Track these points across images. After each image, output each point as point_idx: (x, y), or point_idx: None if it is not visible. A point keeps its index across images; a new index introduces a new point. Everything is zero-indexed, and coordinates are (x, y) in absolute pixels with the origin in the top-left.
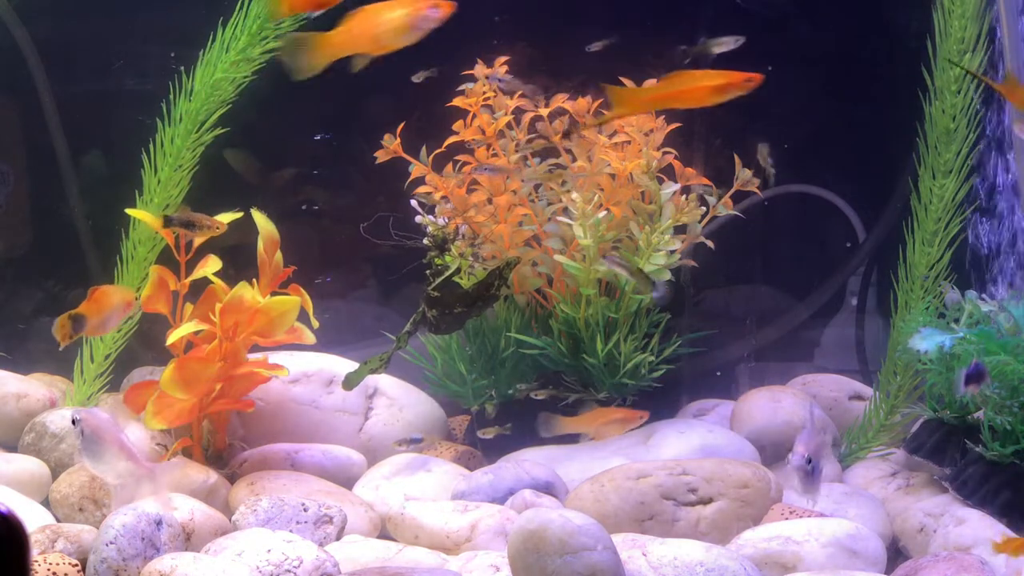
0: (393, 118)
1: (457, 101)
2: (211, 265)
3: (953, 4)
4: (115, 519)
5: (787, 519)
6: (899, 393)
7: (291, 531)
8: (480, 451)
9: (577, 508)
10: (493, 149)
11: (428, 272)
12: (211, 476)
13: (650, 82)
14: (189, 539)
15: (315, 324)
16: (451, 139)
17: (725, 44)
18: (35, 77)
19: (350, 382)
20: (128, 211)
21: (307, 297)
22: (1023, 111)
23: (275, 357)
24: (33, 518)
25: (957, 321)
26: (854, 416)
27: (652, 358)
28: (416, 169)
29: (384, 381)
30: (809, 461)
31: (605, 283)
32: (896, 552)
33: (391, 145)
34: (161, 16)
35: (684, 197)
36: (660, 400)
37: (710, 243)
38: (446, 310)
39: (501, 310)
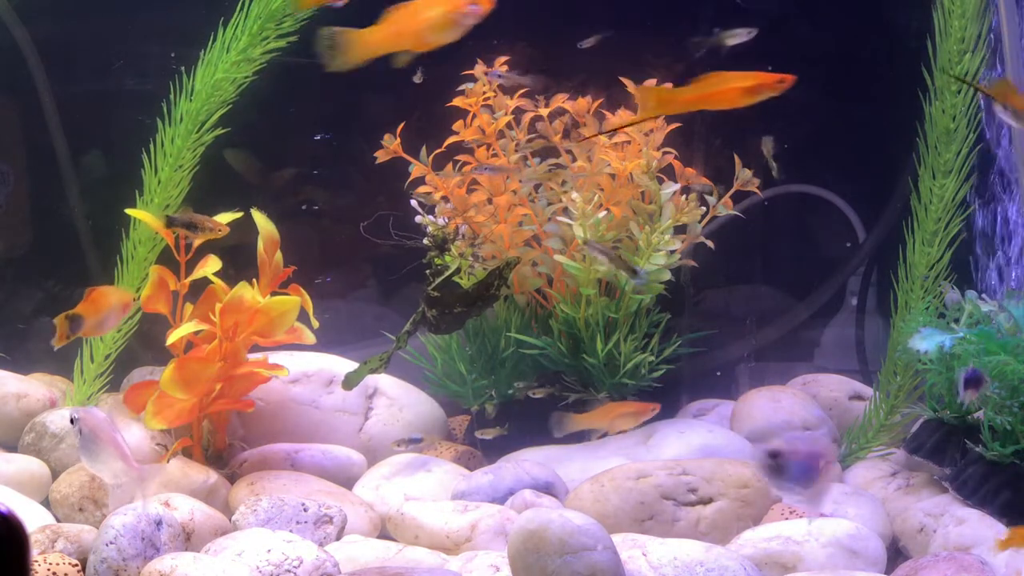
0: (393, 118)
1: (457, 101)
2: (211, 265)
3: (953, 4)
4: (115, 519)
5: (787, 519)
6: (899, 393)
7: (291, 531)
8: (480, 451)
9: (577, 508)
10: (493, 149)
11: (428, 272)
12: (211, 476)
13: (650, 82)
14: (189, 539)
15: (315, 324)
16: (451, 139)
17: (738, 36)
18: (35, 77)
19: (350, 382)
20: (128, 211)
21: (307, 297)
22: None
23: (275, 357)
24: (33, 518)
25: (957, 321)
26: (854, 416)
27: (652, 358)
28: (416, 169)
29: (384, 381)
30: (776, 456)
31: (605, 283)
32: (896, 552)
33: (391, 145)
34: (161, 16)
35: (684, 197)
36: (660, 400)
37: (710, 243)
38: (446, 310)
39: (501, 310)
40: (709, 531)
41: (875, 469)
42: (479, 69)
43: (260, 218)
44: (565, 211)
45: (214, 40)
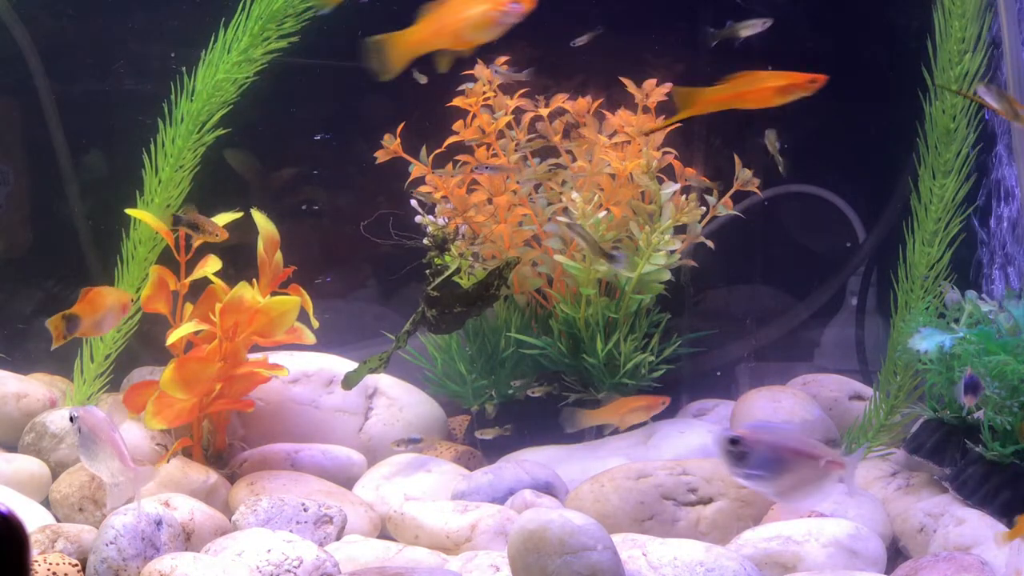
0: (393, 118)
1: (457, 101)
2: (211, 265)
3: (953, 4)
4: (115, 519)
5: (787, 519)
6: (899, 393)
7: (291, 531)
8: (480, 451)
9: (577, 508)
10: (493, 149)
11: (428, 272)
12: (211, 476)
13: (650, 82)
14: (189, 539)
15: (315, 324)
16: (451, 139)
17: (752, 26)
18: (35, 77)
19: (349, 382)
20: (129, 211)
21: (307, 297)
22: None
23: (275, 357)
24: (33, 518)
25: (957, 321)
26: (854, 416)
27: (652, 358)
28: (416, 169)
29: (384, 381)
30: (735, 443)
31: (605, 283)
32: (896, 552)
33: (391, 145)
34: (161, 16)
35: (684, 197)
36: None
37: (710, 243)
38: (446, 310)
39: (501, 310)
40: (709, 531)
41: (875, 469)
42: (479, 69)
43: (260, 218)
44: (565, 211)
45: (215, 41)
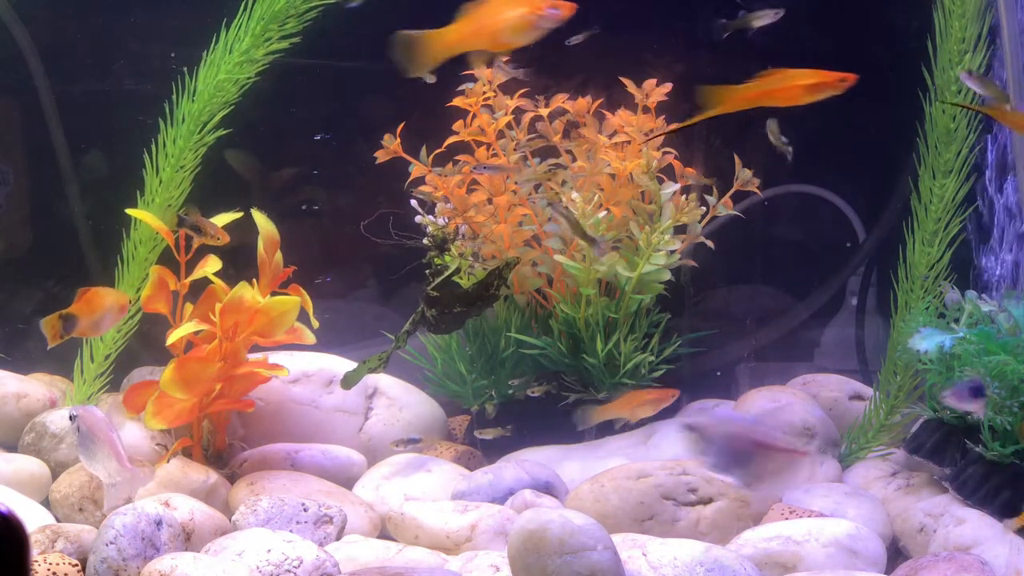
0: (393, 118)
1: (457, 101)
2: (211, 265)
3: (953, 4)
4: (115, 519)
5: (787, 519)
6: (899, 393)
7: (291, 531)
8: (480, 451)
9: (577, 508)
10: (493, 149)
11: (428, 272)
12: (211, 476)
13: (650, 82)
14: (189, 539)
15: (315, 324)
16: (451, 139)
17: (765, 17)
18: (35, 77)
19: (348, 381)
20: (129, 211)
21: (307, 297)
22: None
23: (275, 357)
24: (33, 518)
25: (957, 321)
26: (854, 416)
27: (652, 358)
28: (416, 169)
29: (384, 381)
30: (691, 431)
31: (605, 283)
32: (896, 552)
33: (391, 145)
34: (162, 17)
35: (684, 197)
36: None
37: (710, 243)
38: (445, 310)
39: (501, 310)
40: (709, 531)
41: (875, 469)
42: (479, 69)
43: (260, 218)
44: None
45: (217, 41)
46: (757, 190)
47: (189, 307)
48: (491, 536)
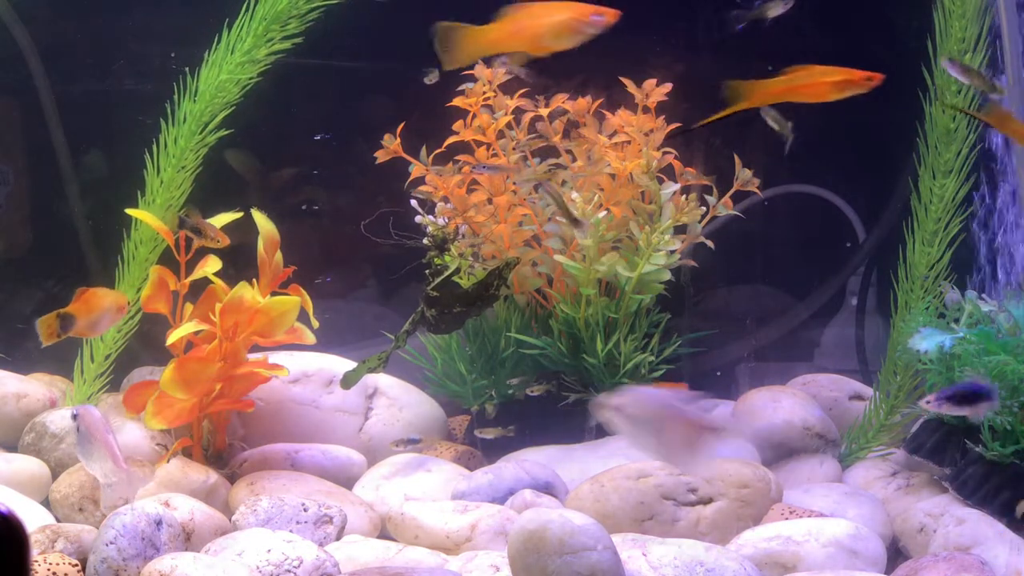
0: (393, 118)
1: (457, 101)
2: (211, 265)
3: (953, 4)
4: (115, 519)
5: (787, 519)
6: (899, 393)
7: (291, 531)
8: (480, 451)
9: (577, 508)
10: (493, 149)
11: (428, 272)
12: (211, 476)
13: (650, 82)
14: (189, 539)
15: (315, 324)
16: (451, 139)
17: (778, 6)
18: (35, 77)
19: (348, 381)
20: (129, 211)
21: (307, 297)
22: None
23: (275, 357)
24: (33, 518)
25: (957, 321)
26: (854, 416)
27: (652, 358)
28: (416, 169)
29: (384, 381)
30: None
31: (605, 283)
32: (896, 552)
33: (391, 145)
34: (162, 16)
35: (684, 197)
36: None
37: (710, 243)
38: (445, 310)
39: (501, 310)
40: (709, 531)
41: (875, 469)
42: (479, 69)
43: (260, 218)
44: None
45: (218, 41)
46: (757, 190)
47: (189, 307)
48: (491, 536)
